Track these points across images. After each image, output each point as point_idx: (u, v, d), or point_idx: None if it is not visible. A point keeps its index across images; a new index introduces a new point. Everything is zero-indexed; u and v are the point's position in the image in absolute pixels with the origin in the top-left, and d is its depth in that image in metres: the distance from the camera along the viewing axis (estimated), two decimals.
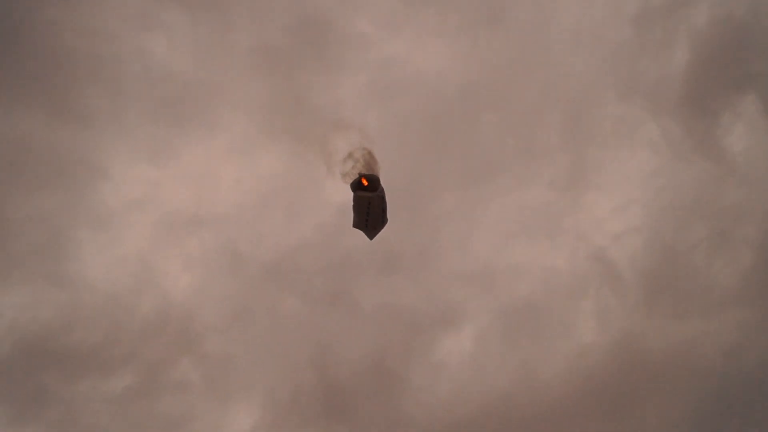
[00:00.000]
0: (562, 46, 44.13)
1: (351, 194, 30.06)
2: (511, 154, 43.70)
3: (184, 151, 43.25)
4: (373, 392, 42.60)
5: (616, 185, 44.59)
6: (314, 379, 42.72)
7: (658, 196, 44.09)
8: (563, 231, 44.48)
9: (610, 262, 43.83)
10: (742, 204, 43.68)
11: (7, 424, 39.56)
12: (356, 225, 30.23)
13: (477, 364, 43.12)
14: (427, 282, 43.77)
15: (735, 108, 44.44)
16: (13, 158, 41.16)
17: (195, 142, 43.12)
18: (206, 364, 42.66)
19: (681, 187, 43.91)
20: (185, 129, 42.78)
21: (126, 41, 41.31)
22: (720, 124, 44.36)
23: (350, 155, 30.19)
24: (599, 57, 44.27)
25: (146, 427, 41.37)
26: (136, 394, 41.48)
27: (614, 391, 41.96)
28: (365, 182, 29.17)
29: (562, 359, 42.69)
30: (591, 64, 44.16)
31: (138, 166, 43.05)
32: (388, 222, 31.50)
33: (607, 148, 44.51)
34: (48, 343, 40.78)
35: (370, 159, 30.09)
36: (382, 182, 30.35)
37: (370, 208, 29.45)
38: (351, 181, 29.96)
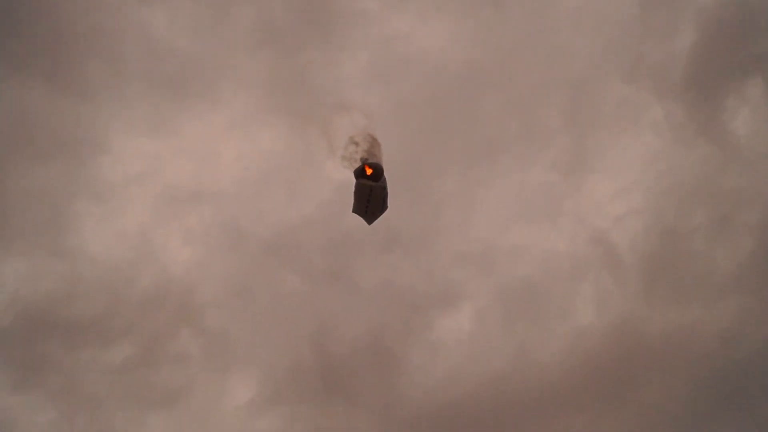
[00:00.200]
0: (566, 26, 43.89)
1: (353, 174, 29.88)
2: (513, 136, 43.51)
3: (185, 126, 43.29)
4: (370, 370, 42.84)
5: (617, 168, 44.42)
6: (312, 355, 42.94)
7: (660, 180, 43.86)
8: (564, 213, 44.40)
9: (610, 246, 43.69)
10: (745, 189, 43.38)
11: (9, 391, 40.09)
12: (356, 211, 30.13)
13: (475, 345, 43.19)
14: (427, 262, 43.90)
15: (740, 92, 43.99)
16: (14, 131, 41.45)
17: (196, 118, 43.15)
18: (205, 338, 42.94)
19: (683, 171, 43.65)
20: (186, 104, 42.83)
21: (127, 15, 41.32)
22: (725, 107, 43.96)
23: (352, 140, 29.91)
24: (603, 38, 43.92)
25: (145, 398, 41.78)
26: (136, 365, 41.86)
27: (611, 375, 41.97)
28: (369, 171, 28.99)
29: (560, 341, 42.74)
30: (595, 44, 43.85)
31: (138, 141, 43.11)
32: (389, 200, 31.17)
33: (610, 131, 44.28)
34: (49, 314, 41.20)
35: (373, 144, 29.83)
36: (384, 164, 30.17)
37: (371, 196, 29.35)
38: (352, 166, 29.79)
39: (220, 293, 43.27)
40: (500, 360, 42.65)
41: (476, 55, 42.82)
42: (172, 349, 42.43)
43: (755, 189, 43.31)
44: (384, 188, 29.51)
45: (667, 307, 43.04)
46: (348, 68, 41.42)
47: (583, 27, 43.75)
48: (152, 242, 43.25)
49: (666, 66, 43.87)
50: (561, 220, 44.35)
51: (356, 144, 29.93)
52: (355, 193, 29.74)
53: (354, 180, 29.73)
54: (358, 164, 29.79)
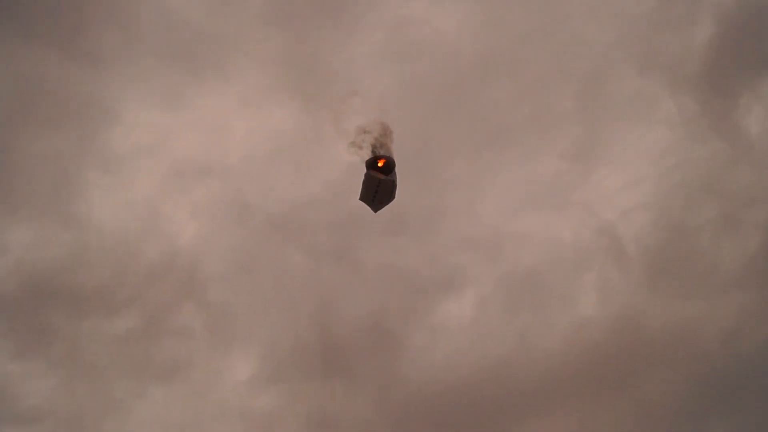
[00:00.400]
0: (581, 16, 43.69)
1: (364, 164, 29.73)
2: (524, 123, 43.26)
3: (197, 100, 43.25)
4: (371, 351, 42.89)
5: (628, 160, 44.25)
6: (314, 334, 42.96)
7: (670, 174, 43.66)
8: (571, 203, 44.22)
9: (616, 237, 43.53)
10: (754, 187, 43.17)
11: (12, 358, 40.20)
12: (363, 199, 29.99)
13: (476, 330, 43.22)
14: (432, 246, 43.85)
15: (754, 89, 43.78)
16: (25, 97, 41.38)
17: (208, 92, 43.16)
18: (208, 312, 43.08)
19: (693, 166, 43.44)
20: (198, 78, 42.76)
21: None
22: (738, 104, 43.66)
23: (363, 128, 29.71)
24: (619, 29, 43.74)
25: (146, 370, 41.97)
26: (139, 336, 41.98)
27: (611, 366, 41.93)
28: (381, 163, 28.78)
29: (562, 331, 42.74)
30: (611, 35, 43.64)
31: (150, 112, 43.10)
32: (397, 190, 31.09)
33: (622, 122, 44.11)
34: (54, 282, 41.38)
35: (384, 133, 29.67)
36: (394, 150, 30.11)
37: (379, 188, 29.19)
38: (361, 154, 29.65)
39: (224, 268, 43.45)
40: (501, 347, 42.78)
41: (490, 42, 42.78)
42: (175, 323, 42.66)
43: (765, 187, 43.22)
44: (393, 182, 29.45)
45: (669, 302, 43.04)
46: (361, 49, 41.37)
47: (599, 17, 43.61)
48: (159, 214, 43.36)
49: (681, 60, 43.65)
50: (568, 210, 44.35)
51: (367, 132, 29.81)
52: (365, 182, 29.57)
53: (365, 168, 29.62)
54: (367, 152, 29.66)
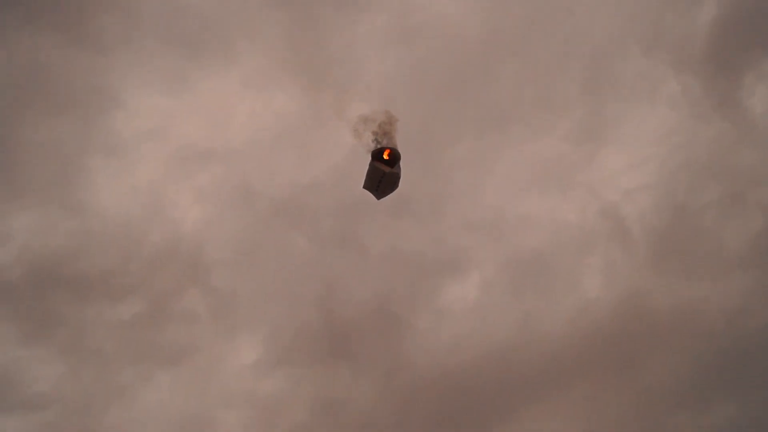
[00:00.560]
0: None
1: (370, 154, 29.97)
2: (528, 105, 43.16)
3: (199, 84, 42.98)
4: (376, 334, 42.79)
5: (632, 141, 44.08)
6: (319, 318, 43.02)
7: (674, 154, 43.49)
8: (575, 184, 44.16)
9: (620, 219, 43.47)
10: (759, 167, 42.99)
11: (18, 344, 40.22)
12: (366, 188, 30.25)
13: (481, 312, 43.17)
14: (436, 228, 43.72)
15: (759, 69, 43.51)
16: (28, 84, 41.22)
17: (210, 76, 42.86)
18: (213, 297, 43.03)
19: (697, 147, 43.29)
20: (201, 62, 42.51)
21: None
22: (742, 84, 43.41)
23: (368, 118, 29.95)
24: (624, 9, 43.51)
25: (152, 355, 41.96)
26: (144, 322, 41.99)
27: (616, 348, 42.03)
28: (386, 155, 29.05)
29: (566, 313, 42.65)
30: (615, 16, 43.47)
31: (152, 97, 42.93)
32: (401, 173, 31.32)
33: (626, 103, 43.88)
34: (59, 268, 41.38)
35: (389, 122, 29.82)
36: (398, 136, 30.46)
37: (383, 179, 29.48)
38: (363, 142, 30.03)
39: (228, 252, 43.49)
40: (505, 329, 42.78)
41: (494, 23, 42.50)
42: (180, 308, 42.66)
43: None
44: (397, 175, 29.63)
45: (674, 283, 43.00)
46: (364, 32, 41.24)
47: None
48: (163, 199, 43.32)
49: (685, 40, 43.44)
50: (572, 192, 44.29)
51: (371, 121, 29.98)
52: (369, 173, 29.77)
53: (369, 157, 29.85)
54: (369, 141, 29.99)
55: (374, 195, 30.77)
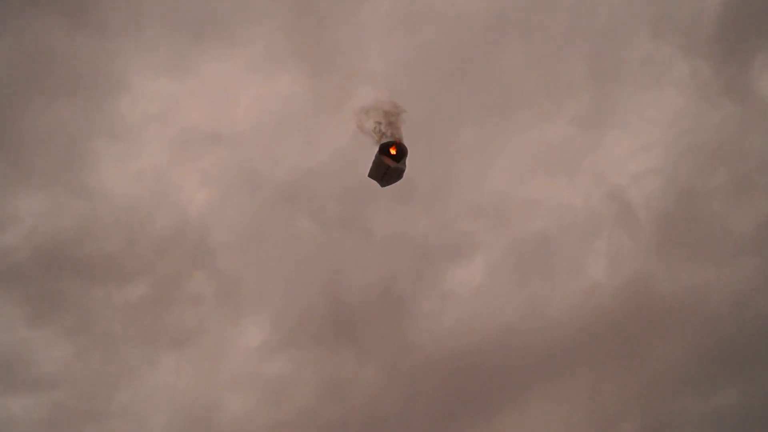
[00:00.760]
0: None
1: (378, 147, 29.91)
2: (534, 88, 42.65)
3: (204, 67, 42.61)
4: (381, 318, 42.93)
5: (639, 124, 43.63)
6: (324, 301, 43.05)
7: (681, 138, 43.00)
8: (582, 169, 43.78)
9: (626, 203, 43.27)
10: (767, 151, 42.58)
11: (26, 325, 40.53)
12: (371, 177, 30.30)
13: (486, 297, 43.12)
14: (441, 213, 43.62)
15: None
16: (33, 68, 41.09)
17: (215, 59, 42.46)
18: (219, 280, 43.05)
19: (706, 131, 42.81)
20: (205, 45, 42.20)
21: None
22: (752, 67, 42.98)
23: (374, 107, 29.40)
24: None
25: (158, 337, 42.10)
26: (150, 304, 42.05)
27: (621, 332, 41.95)
28: (393, 151, 28.97)
29: (571, 297, 42.58)
30: None
31: (157, 80, 42.50)
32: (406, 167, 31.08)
33: (633, 87, 43.41)
34: (66, 251, 41.34)
35: (394, 115, 29.42)
36: (404, 124, 30.05)
37: (387, 173, 29.52)
38: (367, 133, 29.69)
39: (234, 236, 43.35)
40: (510, 313, 42.80)
41: (499, 6, 42.13)
42: (186, 290, 42.77)
43: None
44: (402, 169, 29.66)
45: (680, 268, 42.85)
46: (369, 13, 41.02)
47: None
48: (169, 183, 43.20)
49: (694, 22, 42.89)
50: (578, 176, 43.89)
51: (375, 110, 29.55)
52: (374, 164, 29.76)
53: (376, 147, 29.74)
54: (373, 131, 29.68)
55: (379, 183, 30.91)
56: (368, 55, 40.21)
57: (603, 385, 41.90)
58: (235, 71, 42.64)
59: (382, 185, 30.88)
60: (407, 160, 30.39)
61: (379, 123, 29.58)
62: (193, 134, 43.23)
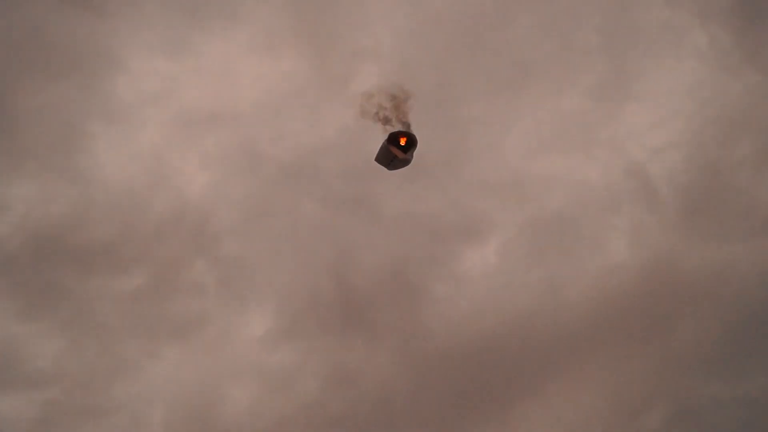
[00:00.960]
0: None
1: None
2: (548, 59, 41.67)
3: (204, 46, 41.84)
4: (391, 302, 41.89)
5: (658, 96, 42.49)
6: (331, 286, 42.06)
7: (703, 110, 41.86)
8: (599, 142, 42.62)
9: (647, 178, 42.14)
10: None
11: (18, 318, 39.40)
12: (378, 161, 30.34)
13: (501, 278, 42.09)
14: (453, 190, 42.69)
15: None
16: (26, 47, 40.26)
17: (215, 37, 41.72)
18: (221, 267, 42.07)
19: (728, 101, 41.62)
20: (205, 22, 41.54)
21: None
22: None
23: (379, 93, 29.56)
24: None
25: (157, 328, 41.09)
26: (149, 294, 41.12)
27: (644, 314, 40.87)
28: (402, 142, 29.01)
29: (591, 278, 41.42)
30: None
31: (155, 59, 41.68)
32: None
33: (650, 56, 42.38)
34: (60, 239, 40.39)
35: (402, 100, 29.43)
36: (412, 102, 30.49)
37: (393, 161, 29.69)
38: (370, 117, 29.96)
39: (236, 220, 42.38)
40: (527, 295, 41.77)
41: None
42: (187, 278, 41.75)
43: None
44: (409, 160, 29.68)
45: (704, 244, 41.72)
46: None
47: None
48: (168, 166, 42.14)
49: None
50: (595, 150, 42.68)
51: (381, 93, 29.67)
52: (382, 151, 29.79)
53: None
54: (377, 115, 29.94)
55: (386, 168, 31.00)
56: (374, 28, 39.89)
57: (627, 370, 40.73)
58: (235, 49, 42.00)
59: (390, 169, 30.87)
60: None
61: (385, 108, 29.55)
62: (192, 114, 42.43)
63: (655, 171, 42.39)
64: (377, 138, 30.78)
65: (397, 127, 30.09)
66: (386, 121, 30.03)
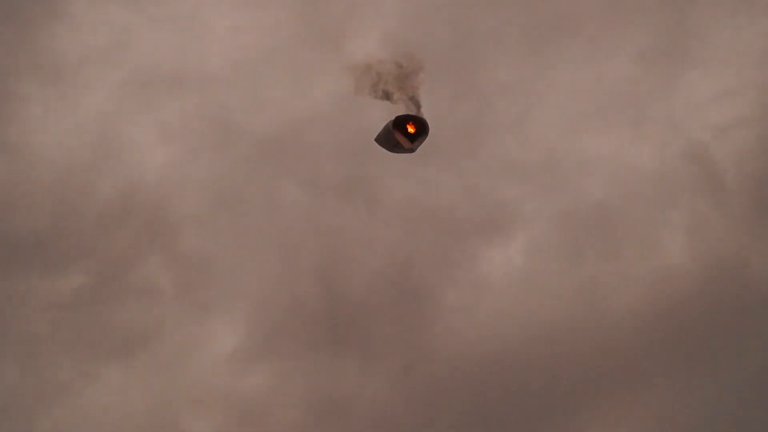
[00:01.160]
0: None
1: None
2: (589, 13, 38.92)
3: None
4: (391, 313, 38.72)
5: (724, 61, 39.60)
6: (318, 292, 39.04)
7: None
8: (651, 118, 39.75)
9: (710, 163, 39.11)
10: None
11: None
12: (378, 142, 28.04)
13: (529, 285, 38.93)
14: (471, 175, 39.66)
15: None
16: None
17: None
18: (181, 266, 39.12)
19: None
20: None
21: None
22: None
23: (378, 65, 26.81)
24: None
25: (99, 343, 37.92)
26: (88, 299, 38.19)
27: (707, 329, 37.31)
28: (411, 129, 26.85)
29: (640, 285, 38.13)
30: None
31: (105, 6, 39.59)
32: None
33: (717, 12, 39.52)
34: None
35: (407, 73, 26.78)
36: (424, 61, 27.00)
37: (396, 147, 27.37)
38: (371, 93, 27.20)
39: (202, 206, 39.49)
40: (561, 305, 38.27)
41: None
42: (138, 280, 38.83)
43: None
44: (413, 150, 27.48)
45: None
46: None
47: None
48: (118, 138, 39.57)
49: None
50: (647, 128, 39.78)
51: (379, 68, 26.82)
52: (385, 134, 27.41)
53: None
54: (376, 88, 26.96)
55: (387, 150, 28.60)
56: None
57: (685, 401, 36.85)
58: None
59: (392, 151, 28.12)
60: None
61: (386, 82, 26.79)
62: (149, 75, 39.76)
63: (720, 154, 39.58)
64: (380, 110, 27.52)
65: (401, 106, 27.22)
66: (387, 96, 27.28)
